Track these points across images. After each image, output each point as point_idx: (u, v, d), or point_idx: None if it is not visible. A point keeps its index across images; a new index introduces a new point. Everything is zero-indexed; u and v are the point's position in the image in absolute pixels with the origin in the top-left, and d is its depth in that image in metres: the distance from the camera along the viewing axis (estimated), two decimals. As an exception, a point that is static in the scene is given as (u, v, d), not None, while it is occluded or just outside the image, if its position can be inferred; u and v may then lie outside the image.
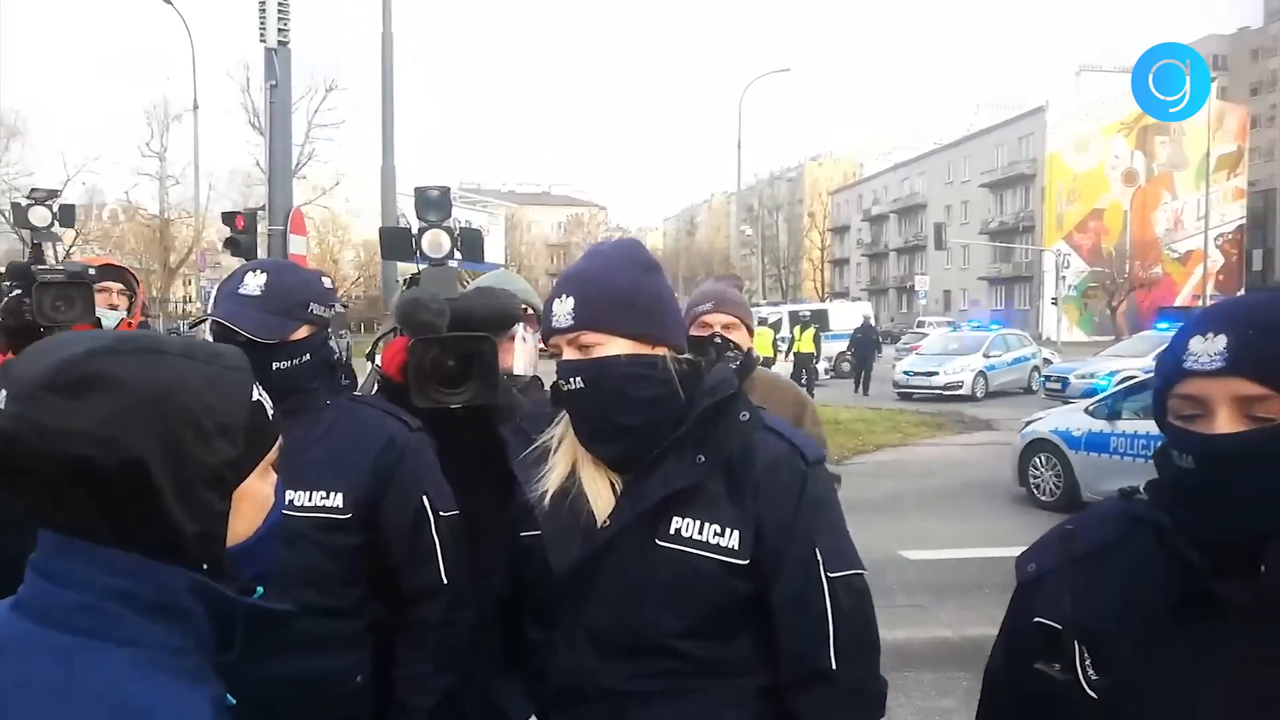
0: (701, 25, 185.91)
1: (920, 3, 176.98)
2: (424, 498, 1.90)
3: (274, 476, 1.00)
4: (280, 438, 1.00)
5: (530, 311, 2.31)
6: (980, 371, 21.20)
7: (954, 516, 9.13)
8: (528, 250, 72.81)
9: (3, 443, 0.83)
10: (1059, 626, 1.24)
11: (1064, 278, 42.97)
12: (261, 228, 10.21)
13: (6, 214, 35.21)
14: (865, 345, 23.34)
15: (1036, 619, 1.27)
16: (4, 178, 35.29)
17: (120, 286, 3.43)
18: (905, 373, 21.68)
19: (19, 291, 2.78)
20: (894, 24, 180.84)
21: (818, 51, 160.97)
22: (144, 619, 0.85)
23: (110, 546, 0.85)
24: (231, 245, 10.40)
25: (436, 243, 2.02)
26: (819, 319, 24.22)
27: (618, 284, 1.49)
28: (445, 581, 1.89)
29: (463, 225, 2.02)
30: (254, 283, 1.86)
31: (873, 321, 25.58)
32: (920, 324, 42.31)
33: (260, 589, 0.97)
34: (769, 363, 19.98)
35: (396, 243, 2.01)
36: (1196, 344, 1.11)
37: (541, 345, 1.65)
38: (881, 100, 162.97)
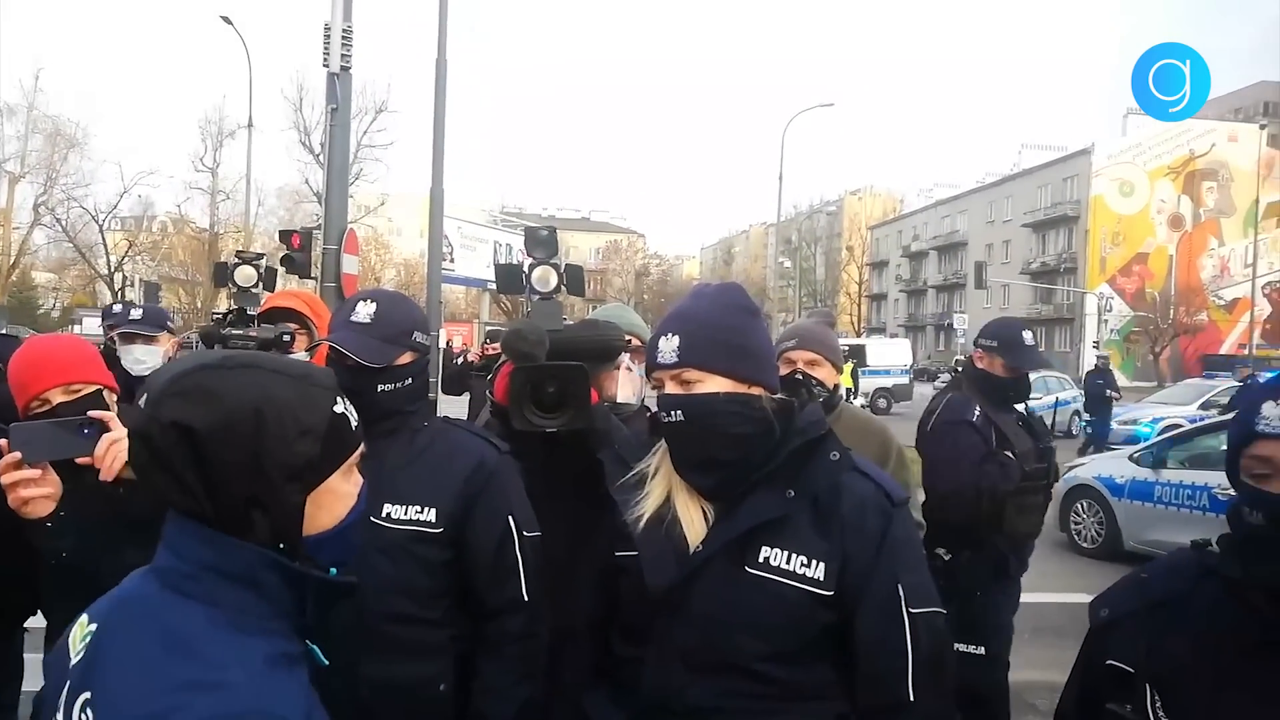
0: (746, 57, 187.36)
1: (966, 43, 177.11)
2: (509, 518, 2.01)
3: (358, 478, 1.15)
4: (362, 444, 1.15)
5: (639, 344, 2.42)
6: (1018, 413, 20.87)
7: (992, 559, 9.05)
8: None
9: (141, 436, 1.04)
10: (1131, 670, 1.32)
11: (1106, 321, 42.43)
12: (316, 247, 10.47)
13: (64, 222, 36.28)
14: (1101, 395, 16.89)
15: (1109, 661, 1.35)
16: (63, 188, 36.35)
17: (295, 326, 3.09)
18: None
19: None
20: (939, 62, 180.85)
21: (861, 86, 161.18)
22: (226, 586, 1.03)
23: (208, 526, 1.04)
24: (287, 262, 10.59)
25: (545, 278, 2.16)
26: (856, 354, 23.94)
27: (721, 325, 1.59)
28: (526, 598, 1.99)
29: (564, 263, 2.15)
30: (365, 311, 2.00)
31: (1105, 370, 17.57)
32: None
33: (334, 570, 1.11)
34: (848, 395, 19.86)
35: (509, 277, 2.15)
36: (1269, 408, 1.19)
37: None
38: (924, 138, 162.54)
